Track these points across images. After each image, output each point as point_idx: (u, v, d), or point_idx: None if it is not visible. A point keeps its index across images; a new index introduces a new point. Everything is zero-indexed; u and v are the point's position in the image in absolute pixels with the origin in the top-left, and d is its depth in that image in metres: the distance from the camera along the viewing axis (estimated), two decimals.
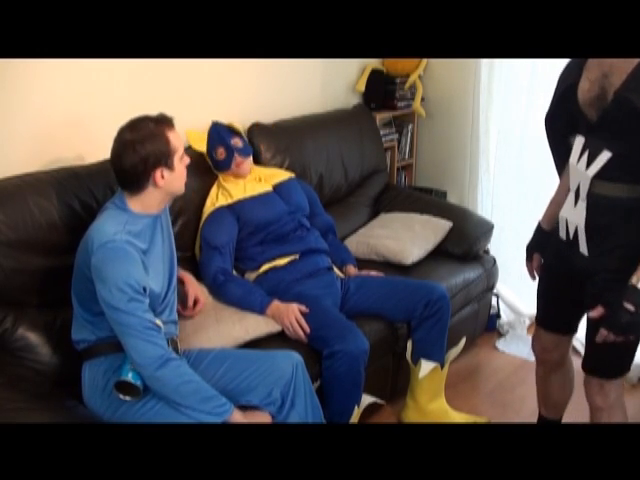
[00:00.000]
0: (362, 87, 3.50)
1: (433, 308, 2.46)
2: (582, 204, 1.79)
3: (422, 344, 2.49)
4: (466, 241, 3.06)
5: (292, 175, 2.78)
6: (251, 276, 2.52)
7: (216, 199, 2.54)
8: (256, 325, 2.30)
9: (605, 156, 1.72)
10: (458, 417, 2.59)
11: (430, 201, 3.40)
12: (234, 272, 2.51)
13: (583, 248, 1.83)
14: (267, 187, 2.63)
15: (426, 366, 2.47)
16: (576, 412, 2.30)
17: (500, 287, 3.36)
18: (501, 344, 3.29)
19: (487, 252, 3.23)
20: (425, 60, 3.59)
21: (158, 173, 1.87)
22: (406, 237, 2.96)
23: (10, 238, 1.99)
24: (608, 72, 1.70)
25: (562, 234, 1.91)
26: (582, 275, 1.86)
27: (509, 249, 3.35)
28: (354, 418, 2.25)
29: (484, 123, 3.40)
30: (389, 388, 2.68)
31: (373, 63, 3.55)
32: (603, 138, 1.73)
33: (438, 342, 2.50)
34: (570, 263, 1.89)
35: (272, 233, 2.54)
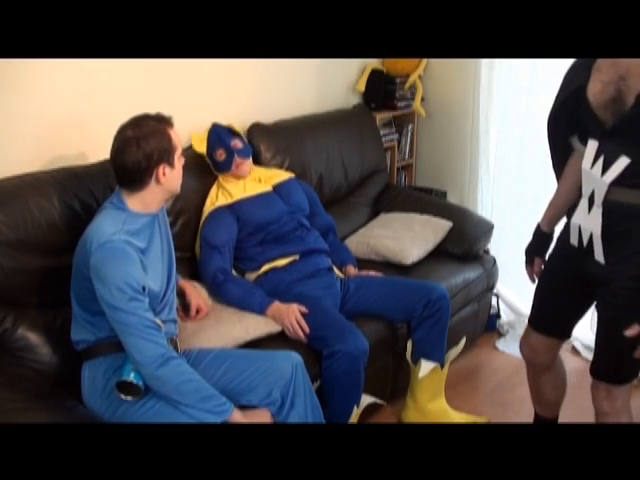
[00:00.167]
0: (362, 87, 3.50)
1: (433, 308, 2.46)
2: (597, 211, 1.76)
3: (422, 344, 2.49)
4: (466, 241, 3.06)
5: (292, 175, 2.78)
6: (251, 276, 2.52)
7: (216, 199, 2.55)
8: (256, 325, 2.30)
9: (623, 162, 1.68)
10: (458, 417, 2.59)
11: (430, 201, 3.40)
12: (234, 272, 2.51)
13: (599, 256, 1.79)
14: (267, 187, 2.63)
15: (426, 366, 2.47)
16: (576, 412, 2.30)
17: (500, 287, 3.36)
18: (501, 344, 3.29)
19: (487, 252, 3.24)
20: (425, 60, 3.59)
21: (161, 169, 1.88)
22: (406, 237, 2.96)
23: (10, 238, 1.99)
24: (625, 74, 1.64)
25: (574, 241, 1.87)
26: (596, 283, 1.84)
27: (509, 249, 3.35)
28: (353, 418, 2.25)
29: (484, 123, 3.40)
30: (389, 388, 2.68)
31: (373, 63, 3.55)
32: (620, 143, 1.68)
33: (438, 342, 2.50)
34: (582, 270, 1.87)
35: (272, 233, 2.54)
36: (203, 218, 2.52)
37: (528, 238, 2.13)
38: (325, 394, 2.22)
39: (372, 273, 2.68)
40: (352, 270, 2.69)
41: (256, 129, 2.91)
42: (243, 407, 1.94)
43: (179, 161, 1.95)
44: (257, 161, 2.81)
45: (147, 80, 2.55)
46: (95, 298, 1.81)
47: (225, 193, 2.55)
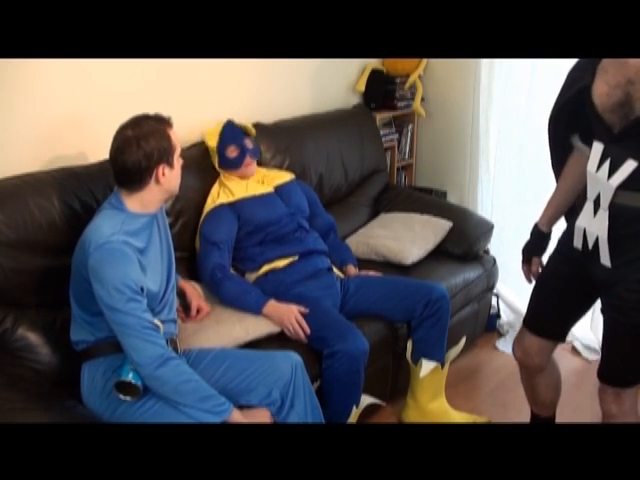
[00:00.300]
0: (362, 87, 3.50)
1: (433, 308, 2.46)
2: (603, 214, 1.74)
3: (422, 344, 2.49)
4: (466, 241, 3.06)
5: (293, 177, 2.78)
6: (251, 277, 2.52)
7: (217, 197, 2.54)
8: (256, 326, 2.30)
9: (630, 166, 1.66)
10: (458, 417, 2.59)
11: (430, 201, 3.40)
12: (233, 272, 2.51)
13: (605, 259, 1.78)
14: (269, 188, 2.63)
15: (426, 366, 2.47)
16: (575, 412, 2.30)
17: (500, 287, 3.36)
18: (501, 344, 3.29)
19: (487, 252, 3.24)
20: (425, 60, 3.59)
21: (160, 170, 1.88)
22: (406, 237, 2.96)
23: (10, 238, 1.99)
24: (634, 78, 1.62)
25: (577, 244, 1.86)
26: (600, 286, 1.83)
27: (509, 249, 3.35)
28: (352, 418, 2.25)
29: (484, 123, 3.40)
30: (389, 388, 2.68)
31: (373, 63, 3.55)
32: (627, 147, 1.66)
33: (438, 342, 2.50)
34: (586, 273, 1.86)
35: (271, 234, 2.54)
36: (203, 215, 2.52)
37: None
38: (325, 394, 2.22)
39: (372, 273, 2.68)
40: (352, 270, 2.69)
41: (256, 129, 2.90)
42: (243, 407, 1.94)
43: (178, 161, 1.95)
44: (257, 161, 2.81)
45: (147, 80, 2.55)
46: (94, 298, 1.81)
47: (227, 191, 2.55)
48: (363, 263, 2.82)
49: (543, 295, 2.05)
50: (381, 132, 3.52)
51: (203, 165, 2.62)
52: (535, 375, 2.15)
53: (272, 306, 2.33)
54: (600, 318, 1.91)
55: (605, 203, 1.73)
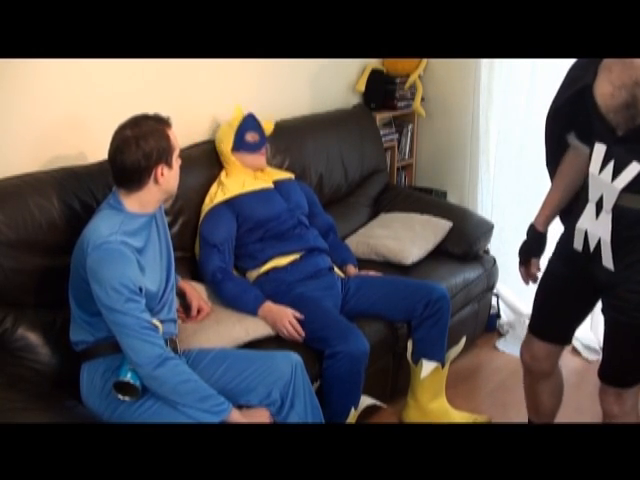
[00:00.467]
0: (362, 87, 3.50)
1: (433, 308, 2.46)
2: (606, 216, 1.72)
3: (422, 344, 2.49)
4: (466, 241, 3.06)
5: (292, 176, 2.78)
6: (252, 275, 2.52)
7: (215, 196, 2.54)
8: (256, 326, 2.30)
9: (635, 169, 1.64)
10: (459, 416, 2.59)
11: (430, 201, 3.40)
12: (234, 271, 2.51)
13: (607, 262, 1.76)
14: (267, 183, 2.63)
15: (427, 366, 2.47)
16: (575, 412, 2.30)
17: (500, 287, 3.36)
18: (501, 344, 3.29)
19: (487, 252, 3.23)
20: (425, 60, 3.59)
21: (159, 170, 1.88)
22: (406, 237, 2.96)
23: (10, 238, 1.99)
24: None
25: (578, 246, 1.84)
26: (602, 287, 1.82)
27: (509, 249, 3.34)
28: (351, 419, 2.25)
29: (484, 123, 3.40)
30: (389, 388, 2.68)
31: (373, 63, 3.55)
32: (632, 150, 1.64)
33: (438, 342, 2.50)
34: (587, 275, 1.85)
35: (272, 230, 2.54)
36: (202, 216, 2.52)
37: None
38: (325, 394, 2.22)
39: (372, 273, 2.68)
40: (352, 270, 2.69)
41: None
42: (242, 407, 1.94)
43: (177, 162, 1.95)
44: None
45: (146, 80, 2.55)
46: (93, 299, 1.81)
47: (224, 189, 2.55)
48: (363, 263, 2.82)
49: (545, 299, 2.04)
50: (381, 132, 3.52)
51: (203, 165, 2.62)
52: (540, 381, 2.13)
53: (267, 307, 2.33)
54: (600, 318, 1.91)
55: (609, 205, 1.71)
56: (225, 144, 2.60)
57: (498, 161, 3.44)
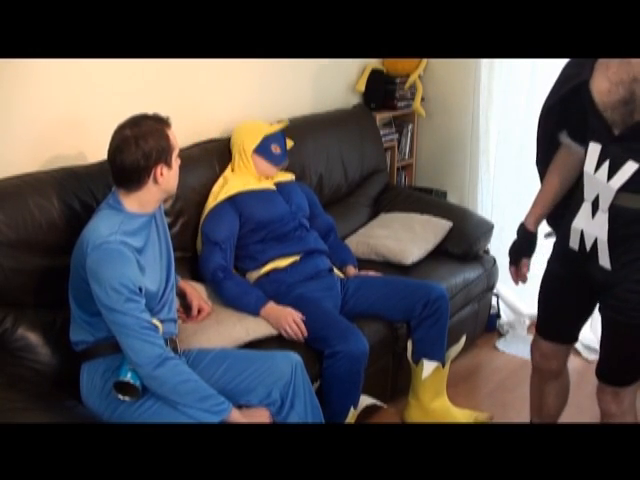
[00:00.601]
0: (362, 87, 3.50)
1: (432, 308, 2.46)
2: (603, 216, 1.72)
3: (422, 344, 2.49)
4: (466, 241, 3.06)
5: (292, 177, 2.79)
6: (252, 276, 2.52)
7: (218, 194, 2.54)
8: (256, 326, 2.30)
9: (631, 168, 1.63)
10: (460, 414, 2.59)
11: (430, 201, 3.40)
12: (235, 272, 2.51)
13: (604, 261, 1.76)
14: (270, 184, 2.64)
15: (427, 366, 2.47)
16: (576, 412, 2.30)
17: (500, 287, 3.36)
18: (501, 344, 3.28)
19: (487, 252, 3.23)
20: (425, 60, 3.59)
21: (159, 169, 1.88)
22: (406, 237, 2.96)
23: (10, 238, 1.99)
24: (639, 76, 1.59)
25: (574, 245, 1.84)
26: (599, 287, 1.82)
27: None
28: (350, 419, 2.25)
29: (484, 123, 3.40)
30: (389, 388, 2.68)
31: (373, 63, 3.55)
32: (629, 148, 1.63)
33: (438, 341, 2.50)
34: (584, 274, 1.84)
35: (273, 232, 2.54)
36: (205, 213, 2.51)
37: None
38: (324, 394, 2.22)
39: (371, 273, 2.68)
40: (352, 270, 2.69)
41: None
42: (242, 407, 1.94)
43: (176, 162, 1.95)
44: None
45: (146, 80, 2.55)
46: (93, 299, 1.81)
47: (227, 187, 2.55)
48: (363, 263, 2.82)
49: (546, 299, 2.04)
50: (381, 132, 3.52)
51: (203, 165, 2.62)
52: (548, 381, 2.13)
53: (270, 308, 2.33)
54: (600, 318, 1.90)
55: (605, 205, 1.71)
56: (250, 142, 2.60)
57: (498, 161, 3.44)
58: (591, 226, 1.76)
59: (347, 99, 3.52)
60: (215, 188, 2.58)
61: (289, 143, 2.73)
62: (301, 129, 3.08)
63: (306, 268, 2.53)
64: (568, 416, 2.27)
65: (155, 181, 1.89)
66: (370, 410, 2.45)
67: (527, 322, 3.40)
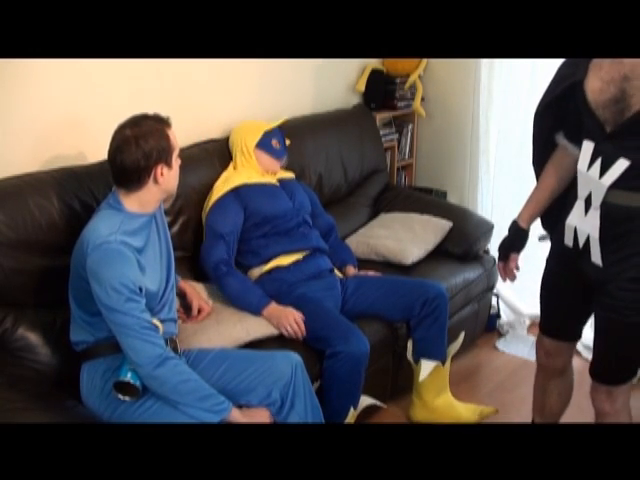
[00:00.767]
0: (362, 87, 3.50)
1: (430, 306, 2.46)
2: (595, 213, 1.73)
3: (422, 343, 2.49)
4: (466, 241, 3.06)
5: (293, 175, 2.79)
6: (254, 274, 2.51)
7: (222, 187, 2.54)
8: (257, 326, 2.30)
9: (622, 165, 1.65)
10: (465, 408, 2.59)
11: (430, 201, 3.40)
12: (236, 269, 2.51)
13: (596, 258, 1.77)
14: (273, 180, 2.64)
15: (428, 365, 2.47)
16: (576, 412, 2.30)
17: (500, 287, 3.36)
18: (501, 344, 3.29)
19: (487, 252, 3.23)
20: (425, 60, 3.59)
21: (159, 169, 1.88)
22: (406, 237, 2.96)
23: (10, 238, 1.99)
24: (630, 74, 1.60)
25: (568, 242, 1.85)
26: (593, 284, 1.83)
27: None
28: (350, 419, 2.25)
29: (484, 123, 3.40)
30: (389, 388, 2.68)
31: (373, 63, 3.55)
32: (620, 146, 1.65)
33: (438, 340, 2.50)
34: (579, 272, 1.85)
35: (277, 227, 2.54)
36: (209, 206, 2.50)
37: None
38: (324, 394, 2.22)
39: (371, 273, 2.68)
40: (352, 270, 2.69)
41: None
42: (242, 407, 1.94)
43: (176, 161, 1.96)
44: None
45: (146, 80, 2.55)
46: (93, 299, 1.81)
47: (231, 180, 2.55)
48: (363, 263, 2.82)
49: (547, 298, 2.05)
50: (381, 132, 3.52)
51: (203, 165, 2.62)
52: (552, 379, 2.14)
53: (273, 308, 2.33)
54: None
55: (597, 202, 1.73)
56: (251, 138, 2.62)
57: (498, 161, 3.44)
58: (584, 223, 1.78)
59: (347, 99, 3.53)
60: (218, 182, 2.57)
61: (287, 141, 2.73)
62: (301, 129, 3.08)
63: (308, 268, 2.53)
64: (568, 416, 2.27)
65: (155, 181, 1.89)
66: (370, 410, 2.45)
67: (527, 322, 3.40)
